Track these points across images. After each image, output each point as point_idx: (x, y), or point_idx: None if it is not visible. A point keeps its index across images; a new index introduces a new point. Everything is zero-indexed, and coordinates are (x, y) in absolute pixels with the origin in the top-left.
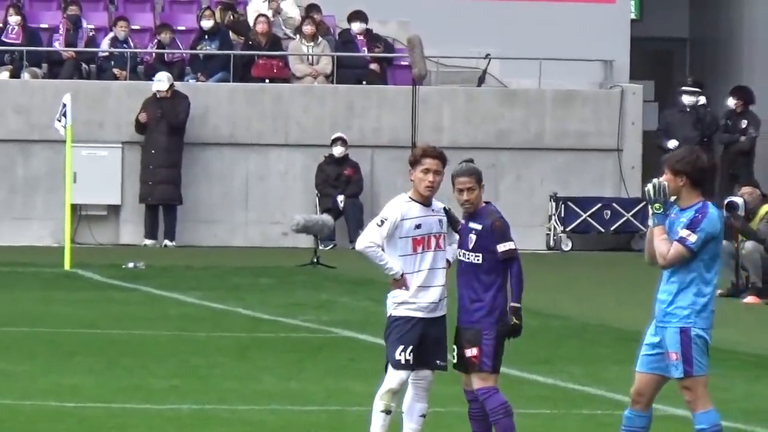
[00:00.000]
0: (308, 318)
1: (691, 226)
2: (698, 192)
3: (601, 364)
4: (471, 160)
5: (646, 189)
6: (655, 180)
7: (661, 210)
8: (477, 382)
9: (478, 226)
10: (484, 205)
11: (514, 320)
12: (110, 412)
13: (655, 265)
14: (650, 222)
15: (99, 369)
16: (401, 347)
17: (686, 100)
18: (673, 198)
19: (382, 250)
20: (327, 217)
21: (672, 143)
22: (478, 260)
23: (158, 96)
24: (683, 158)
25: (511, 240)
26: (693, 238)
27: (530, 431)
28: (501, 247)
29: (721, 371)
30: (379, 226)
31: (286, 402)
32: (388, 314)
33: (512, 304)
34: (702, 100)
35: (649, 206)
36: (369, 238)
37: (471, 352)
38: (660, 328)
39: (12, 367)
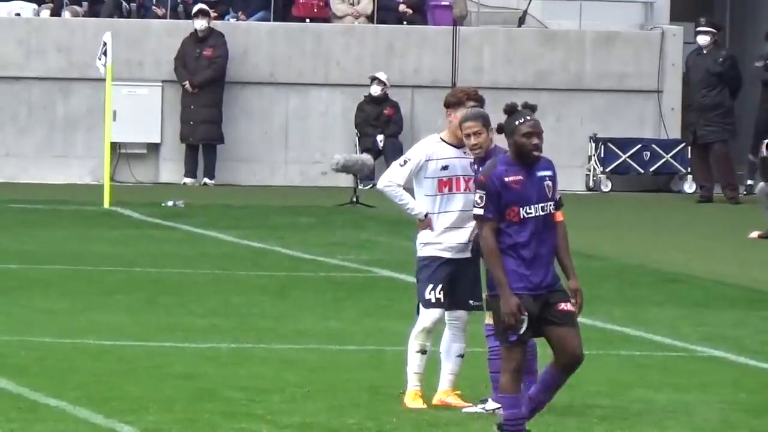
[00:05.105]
0: (347, 257)
1: None
2: None
3: (640, 305)
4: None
5: None
6: None
7: None
8: (487, 318)
9: None
10: (492, 148)
11: None
12: (149, 350)
13: None
14: None
15: (138, 307)
16: (430, 286)
17: (700, 40)
18: None
19: (405, 190)
20: (367, 157)
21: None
22: None
23: (199, 34)
24: None
25: None
26: None
27: None
28: None
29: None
30: (402, 166)
31: (325, 341)
32: (417, 255)
33: None
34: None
35: None
36: (389, 177)
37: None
38: None
39: (51, 304)
